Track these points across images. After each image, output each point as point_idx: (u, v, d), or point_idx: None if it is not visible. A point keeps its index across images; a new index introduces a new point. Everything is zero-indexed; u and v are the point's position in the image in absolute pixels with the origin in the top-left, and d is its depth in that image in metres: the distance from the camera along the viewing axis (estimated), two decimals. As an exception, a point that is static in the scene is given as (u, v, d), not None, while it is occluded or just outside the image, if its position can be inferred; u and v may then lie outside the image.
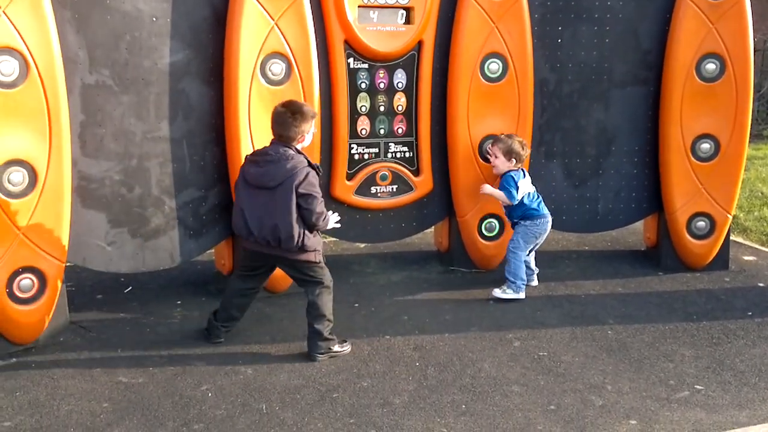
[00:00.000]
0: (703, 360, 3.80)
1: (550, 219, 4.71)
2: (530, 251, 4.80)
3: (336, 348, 3.84)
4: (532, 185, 4.71)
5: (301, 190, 3.61)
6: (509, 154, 4.60)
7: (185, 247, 4.42)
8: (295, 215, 3.62)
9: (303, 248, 3.69)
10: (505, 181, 4.64)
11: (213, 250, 4.84)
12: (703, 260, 5.17)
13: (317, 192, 3.68)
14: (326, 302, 3.82)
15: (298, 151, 3.71)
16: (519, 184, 4.60)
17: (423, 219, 5.14)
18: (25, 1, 3.55)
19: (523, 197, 4.62)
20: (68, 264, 3.98)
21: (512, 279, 4.62)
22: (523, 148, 4.62)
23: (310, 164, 3.69)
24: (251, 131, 4.28)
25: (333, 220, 3.90)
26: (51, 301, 3.88)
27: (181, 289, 4.79)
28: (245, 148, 4.27)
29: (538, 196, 4.70)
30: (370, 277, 5.08)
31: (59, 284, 3.91)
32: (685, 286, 4.91)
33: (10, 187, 3.64)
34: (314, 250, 3.76)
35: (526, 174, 4.71)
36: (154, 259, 4.33)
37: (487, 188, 4.76)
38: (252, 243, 3.76)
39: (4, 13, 3.50)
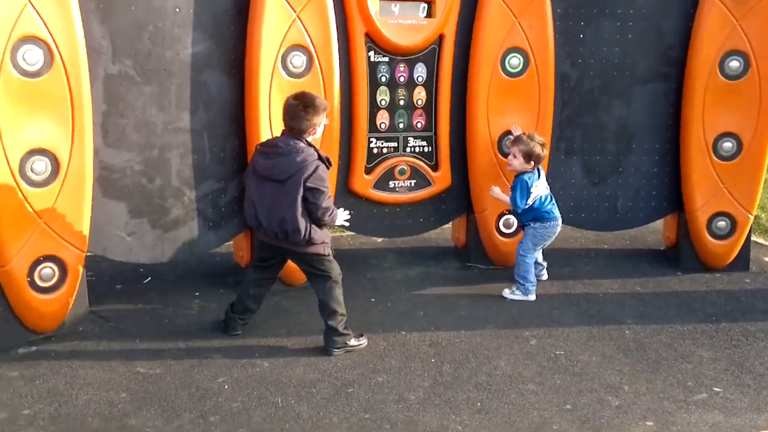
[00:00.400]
0: (721, 362, 3.77)
1: (560, 222, 4.66)
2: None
3: (352, 342, 3.85)
4: (547, 186, 4.65)
5: (309, 184, 3.60)
6: (528, 156, 4.52)
7: (204, 239, 4.44)
8: (301, 209, 3.61)
9: (310, 241, 3.69)
10: (518, 185, 4.57)
11: (231, 242, 4.87)
12: (724, 261, 5.12)
13: (325, 187, 3.66)
14: (336, 297, 3.82)
15: (309, 144, 3.69)
16: (532, 189, 4.55)
17: (441, 214, 5.13)
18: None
19: (535, 200, 4.57)
20: (88, 254, 4.01)
21: (521, 282, 4.61)
22: (543, 150, 4.56)
23: (320, 157, 3.68)
24: (271, 123, 4.29)
25: (342, 216, 3.90)
26: (71, 291, 3.92)
27: (200, 280, 4.81)
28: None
29: (551, 199, 4.64)
30: (387, 272, 5.08)
31: (80, 274, 3.95)
32: (705, 286, 4.87)
33: (33, 176, 3.66)
34: (322, 243, 3.75)
35: (542, 175, 4.65)
36: (174, 250, 4.36)
37: (496, 191, 4.73)
38: (262, 234, 3.77)
39: (30, 2, 3.51)
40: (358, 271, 5.03)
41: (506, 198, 4.68)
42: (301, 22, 4.24)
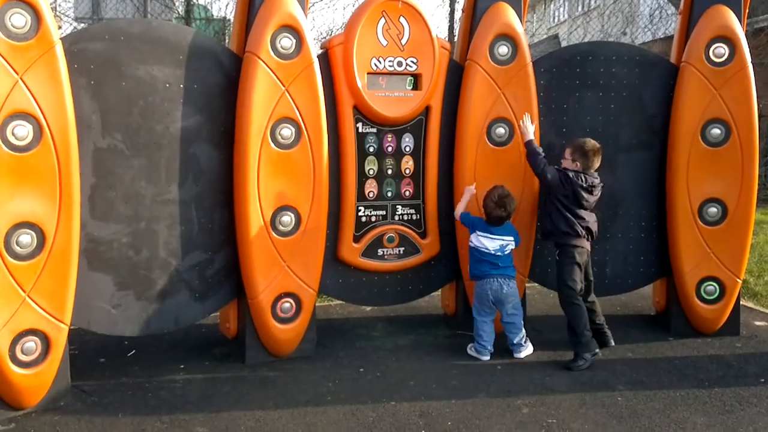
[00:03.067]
0: (715, 428, 3.71)
1: (496, 280, 4.61)
2: (509, 316, 4.69)
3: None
4: (500, 247, 4.63)
5: None
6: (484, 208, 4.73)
7: (190, 311, 4.40)
8: None
9: None
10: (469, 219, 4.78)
11: (218, 314, 4.82)
12: (714, 325, 5.10)
13: None
14: None
15: None
16: (476, 235, 4.68)
17: (430, 282, 5.12)
18: (43, 68, 3.63)
19: (473, 252, 4.67)
20: (72, 327, 3.95)
21: (476, 340, 4.70)
22: (491, 206, 4.61)
23: None
24: (260, 193, 4.31)
25: None
26: (54, 365, 3.84)
27: (185, 352, 4.74)
28: (254, 211, 4.29)
29: (498, 258, 4.62)
30: (377, 340, 5.03)
31: (63, 347, 3.88)
32: (696, 351, 4.83)
33: (18, 250, 3.64)
34: None
35: (498, 231, 4.65)
36: (159, 323, 4.31)
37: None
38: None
39: (22, 79, 3.57)
40: (347, 341, 4.98)
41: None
42: (290, 96, 4.32)
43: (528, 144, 4.75)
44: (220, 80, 4.35)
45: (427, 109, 4.86)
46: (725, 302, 5.06)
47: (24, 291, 3.68)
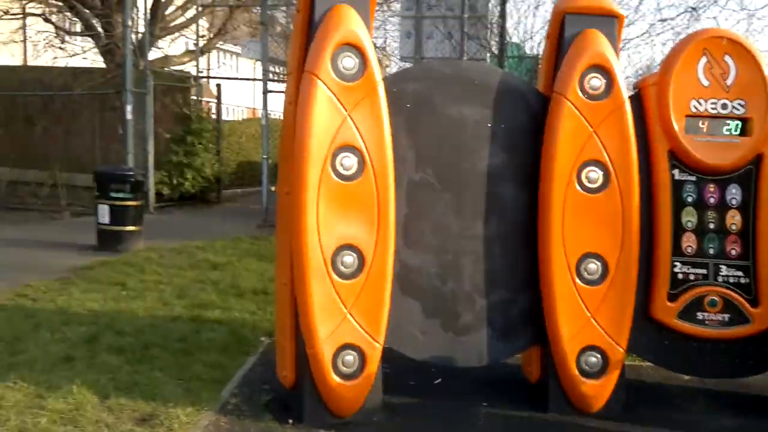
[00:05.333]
0: None
1: None
2: None
3: None
4: None
5: None
6: None
7: (494, 348, 4.43)
8: None
9: None
10: None
11: (520, 356, 4.79)
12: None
13: None
14: None
15: None
16: None
17: (763, 357, 4.47)
18: (367, 107, 4.09)
19: None
20: (385, 347, 4.21)
21: None
22: None
23: None
24: (564, 238, 4.26)
25: None
26: (368, 380, 4.13)
27: (488, 389, 4.74)
28: (557, 255, 4.25)
29: None
30: (696, 416, 4.49)
31: (377, 364, 4.17)
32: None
33: (342, 269, 4.06)
34: None
35: None
36: (463, 356, 4.40)
37: None
38: None
39: (350, 116, 4.10)
40: (661, 409, 4.54)
41: None
42: (598, 137, 4.26)
43: None
44: (525, 120, 4.47)
45: (758, 158, 4.41)
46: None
47: (345, 307, 4.06)
